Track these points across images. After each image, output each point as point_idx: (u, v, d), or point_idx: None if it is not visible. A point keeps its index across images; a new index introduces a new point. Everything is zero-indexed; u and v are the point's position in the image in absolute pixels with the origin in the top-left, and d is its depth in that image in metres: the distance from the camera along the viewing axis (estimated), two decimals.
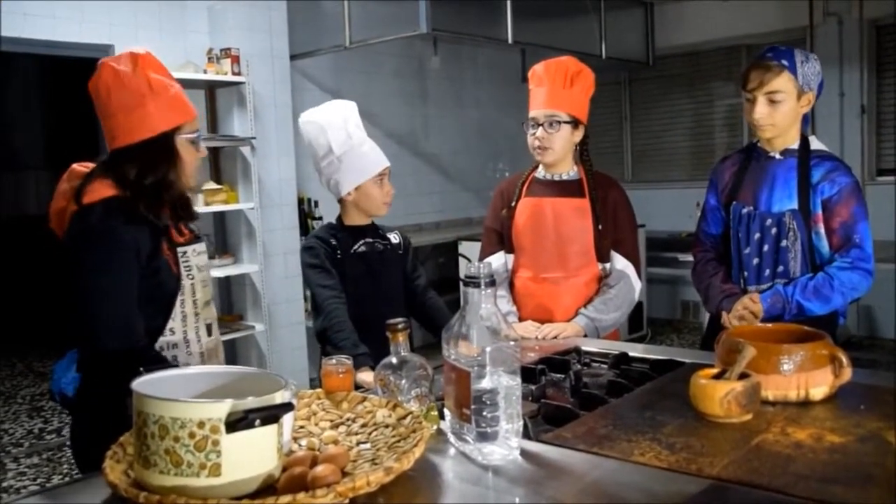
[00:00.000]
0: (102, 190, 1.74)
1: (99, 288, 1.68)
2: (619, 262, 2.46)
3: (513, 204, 2.51)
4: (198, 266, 1.86)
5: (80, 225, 1.72)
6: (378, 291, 2.32)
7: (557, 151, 2.42)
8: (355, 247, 2.33)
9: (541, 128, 2.40)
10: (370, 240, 2.36)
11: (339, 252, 2.31)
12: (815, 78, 2.24)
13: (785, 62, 2.20)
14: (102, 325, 1.68)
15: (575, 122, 2.41)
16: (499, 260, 2.53)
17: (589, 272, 2.45)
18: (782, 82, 2.20)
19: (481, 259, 2.49)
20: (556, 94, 2.39)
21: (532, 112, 2.42)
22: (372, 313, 2.17)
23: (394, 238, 2.43)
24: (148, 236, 1.75)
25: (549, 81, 2.40)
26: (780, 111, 2.22)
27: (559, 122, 2.39)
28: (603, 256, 2.45)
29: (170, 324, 1.80)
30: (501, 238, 2.54)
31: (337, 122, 2.27)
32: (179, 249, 1.81)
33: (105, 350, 1.68)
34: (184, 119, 1.79)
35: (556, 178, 2.49)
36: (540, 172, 2.52)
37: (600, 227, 2.42)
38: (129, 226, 1.72)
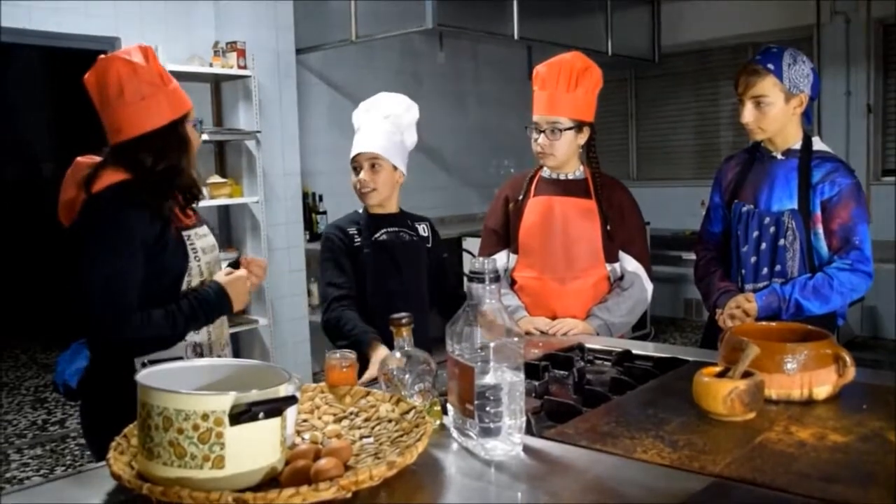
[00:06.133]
0: (112, 178, 1.78)
1: (98, 269, 1.71)
2: (630, 264, 2.45)
3: (520, 198, 2.47)
4: (203, 248, 1.89)
5: (89, 213, 1.77)
6: (399, 284, 2.26)
7: (559, 157, 2.39)
8: (377, 235, 2.28)
9: (542, 134, 2.37)
10: (394, 229, 2.31)
11: (357, 240, 2.27)
12: (805, 80, 2.22)
13: (771, 66, 2.19)
14: (96, 298, 1.70)
15: (579, 126, 2.37)
16: (501, 259, 2.50)
17: (597, 273, 2.42)
18: (767, 86, 2.20)
19: None
20: (558, 100, 2.33)
21: (535, 117, 2.39)
22: (391, 307, 2.00)
23: (422, 230, 2.39)
24: (154, 220, 1.78)
25: (552, 85, 2.33)
26: (767, 115, 2.22)
27: (560, 130, 2.34)
28: (611, 258, 2.43)
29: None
30: (501, 240, 2.51)
31: (357, 118, 2.33)
32: (184, 234, 1.85)
33: (94, 316, 1.71)
34: (187, 108, 1.87)
35: (563, 177, 2.47)
36: (545, 172, 2.50)
37: (608, 227, 2.40)
38: (135, 210, 1.75)
